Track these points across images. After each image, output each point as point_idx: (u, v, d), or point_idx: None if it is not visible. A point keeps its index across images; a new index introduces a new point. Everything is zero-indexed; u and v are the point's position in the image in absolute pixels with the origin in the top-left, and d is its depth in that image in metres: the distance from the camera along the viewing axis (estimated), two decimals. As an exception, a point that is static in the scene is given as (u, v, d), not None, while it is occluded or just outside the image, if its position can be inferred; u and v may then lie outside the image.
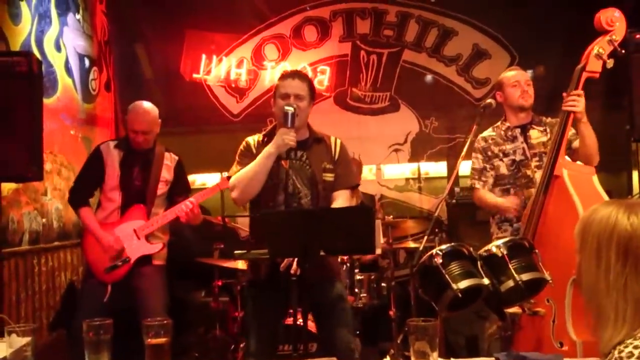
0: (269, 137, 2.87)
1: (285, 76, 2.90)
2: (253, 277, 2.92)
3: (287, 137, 2.66)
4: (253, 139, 2.94)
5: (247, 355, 2.86)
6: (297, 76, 2.88)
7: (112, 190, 3.51)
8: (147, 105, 3.59)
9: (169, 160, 3.65)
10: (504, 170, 3.37)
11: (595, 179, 2.84)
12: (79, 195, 3.60)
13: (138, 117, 3.53)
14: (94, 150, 3.65)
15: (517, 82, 3.35)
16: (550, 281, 2.14)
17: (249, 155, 2.86)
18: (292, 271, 2.46)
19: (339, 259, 3.65)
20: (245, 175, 2.77)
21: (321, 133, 2.95)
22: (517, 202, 3.22)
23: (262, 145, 2.87)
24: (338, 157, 2.89)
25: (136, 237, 3.46)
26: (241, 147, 2.93)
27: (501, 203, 3.30)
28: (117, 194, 3.50)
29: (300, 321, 2.59)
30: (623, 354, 1.20)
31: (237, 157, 2.92)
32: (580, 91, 2.92)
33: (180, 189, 3.67)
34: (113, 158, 3.53)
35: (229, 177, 2.91)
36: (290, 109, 2.70)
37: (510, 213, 3.25)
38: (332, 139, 2.94)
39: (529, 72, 4.56)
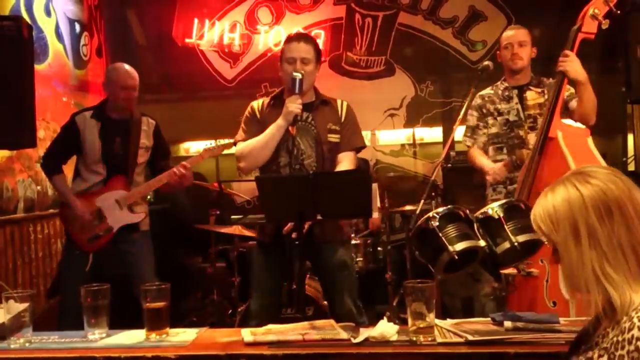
0: (275, 100, 2.89)
1: (290, 39, 2.88)
2: (259, 239, 2.96)
3: (291, 105, 2.68)
4: (257, 103, 2.95)
5: (249, 316, 2.88)
6: (303, 39, 2.86)
7: (95, 163, 3.43)
8: (125, 64, 3.56)
9: (147, 125, 3.57)
10: (497, 129, 3.37)
11: (590, 140, 2.84)
12: (54, 162, 3.50)
13: (127, 74, 3.48)
14: (69, 120, 3.51)
15: (510, 43, 3.34)
16: (546, 242, 2.15)
17: (254, 121, 2.88)
18: (292, 235, 2.46)
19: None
20: (254, 146, 2.79)
21: (328, 96, 2.96)
22: (502, 172, 3.17)
23: (267, 108, 2.89)
24: (344, 118, 2.89)
25: (119, 207, 3.42)
26: (246, 112, 2.95)
27: (485, 166, 3.29)
28: (101, 166, 3.43)
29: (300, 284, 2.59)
30: None
31: (242, 124, 2.93)
32: (568, 52, 2.89)
33: (161, 153, 3.64)
34: (91, 129, 3.44)
35: (234, 143, 2.93)
36: (298, 75, 2.71)
37: (490, 177, 3.23)
38: (339, 102, 2.95)
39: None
